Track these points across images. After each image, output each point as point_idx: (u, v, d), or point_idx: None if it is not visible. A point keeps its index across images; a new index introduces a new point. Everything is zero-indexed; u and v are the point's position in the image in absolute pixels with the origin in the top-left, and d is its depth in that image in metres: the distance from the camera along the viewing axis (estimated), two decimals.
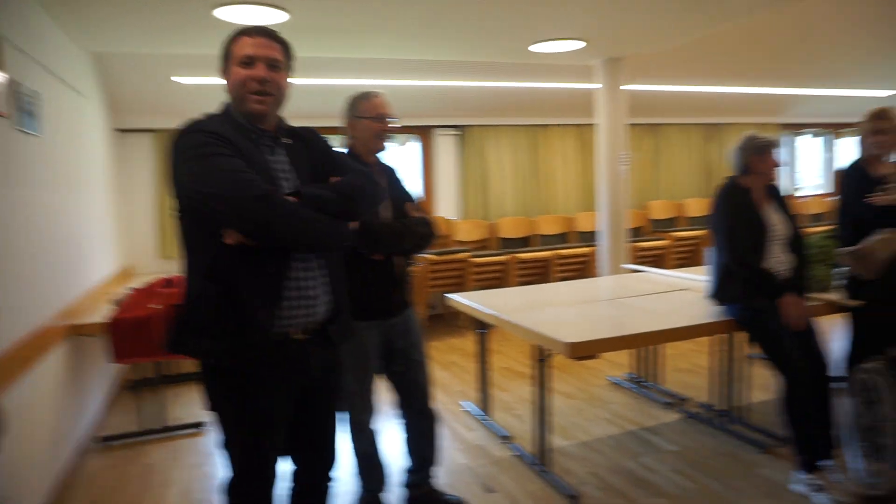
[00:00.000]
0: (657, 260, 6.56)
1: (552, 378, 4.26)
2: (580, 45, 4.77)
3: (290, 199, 1.61)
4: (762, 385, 3.68)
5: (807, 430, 2.63)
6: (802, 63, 7.10)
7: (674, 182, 7.69)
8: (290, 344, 1.71)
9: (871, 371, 2.55)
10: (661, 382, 4.07)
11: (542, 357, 2.94)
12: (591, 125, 5.74)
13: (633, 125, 7.19)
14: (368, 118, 2.39)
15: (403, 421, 2.65)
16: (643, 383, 4.09)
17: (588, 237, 6.57)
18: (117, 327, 3.17)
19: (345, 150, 2.44)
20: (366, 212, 1.86)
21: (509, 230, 6.76)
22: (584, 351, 2.52)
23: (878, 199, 2.85)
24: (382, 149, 2.47)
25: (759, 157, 2.81)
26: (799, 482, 2.66)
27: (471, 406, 3.87)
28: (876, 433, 2.57)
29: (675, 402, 3.79)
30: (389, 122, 2.42)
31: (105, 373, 4.09)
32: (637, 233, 7.04)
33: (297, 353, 1.73)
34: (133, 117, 5.46)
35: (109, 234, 4.70)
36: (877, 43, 7.08)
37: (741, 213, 2.81)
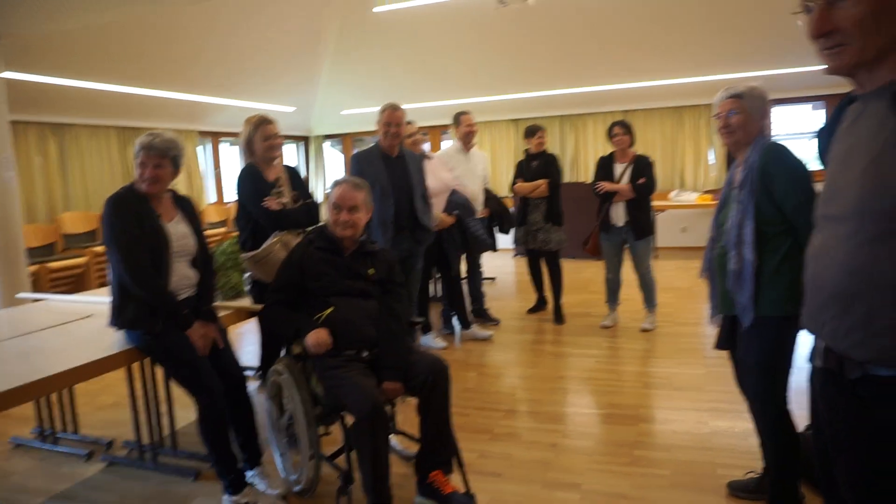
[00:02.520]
0: (77, 281, 5.70)
1: None
2: None
3: None
4: (190, 404, 3.46)
5: (227, 452, 2.51)
6: (212, 76, 7.28)
7: (90, 190, 6.85)
8: None
9: (279, 371, 2.58)
10: (79, 429, 3.42)
11: None
12: None
13: (28, 123, 6.07)
14: None
15: None
16: (55, 436, 3.36)
17: None
18: None
19: None
20: None
21: None
22: None
23: (271, 202, 2.94)
24: None
25: (136, 160, 2.50)
26: None
27: None
28: (291, 430, 2.63)
29: (97, 448, 3.22)
30: None
31: None
32: (48, 251, 5.97)
33: None
34: None
35: None
36: (278, 63, 7.85)
37: (137, 225, 2.45)
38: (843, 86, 7.22)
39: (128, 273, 2.41)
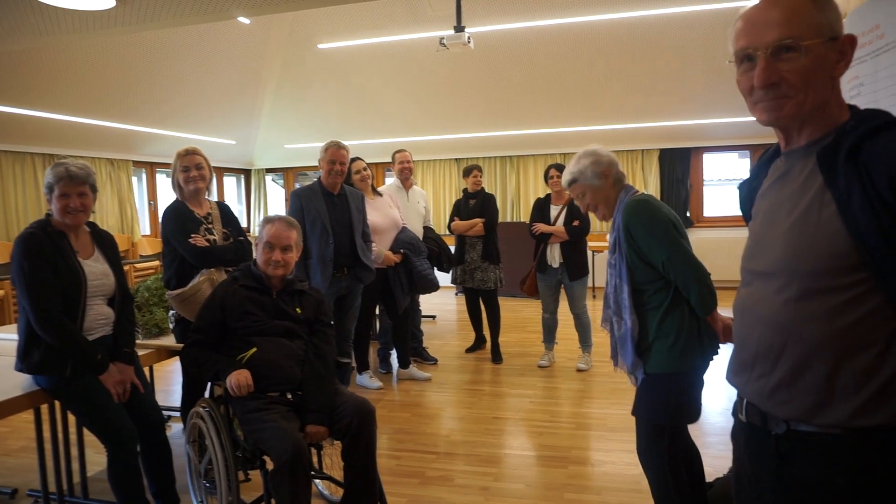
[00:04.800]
0: None
1: None
2: None
3: None
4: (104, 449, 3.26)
5: (139, 500, 2.37)
6: (147, 106, 7.12)
7: (10, 220, 6.54)
8: None
9: (200, 413, 2.47)
10: None
11: None
12: None
13: None
14: None
15: None
16: None
17: None
18: None
19: None
20: None
21: None
22: None
23: (198, 239, 2.85)
24: None
25: (48, 196, 2.39)
26: None
27: None
28: (210, 475, 2.51)
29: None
30: None
31: None
32: None
33: None
34: None
35: None
36: (219, 95, 7.73)
37: (50, 266, 2.30)
38: (766, 136, 7.62)
39: (35, 319, 2.26)
